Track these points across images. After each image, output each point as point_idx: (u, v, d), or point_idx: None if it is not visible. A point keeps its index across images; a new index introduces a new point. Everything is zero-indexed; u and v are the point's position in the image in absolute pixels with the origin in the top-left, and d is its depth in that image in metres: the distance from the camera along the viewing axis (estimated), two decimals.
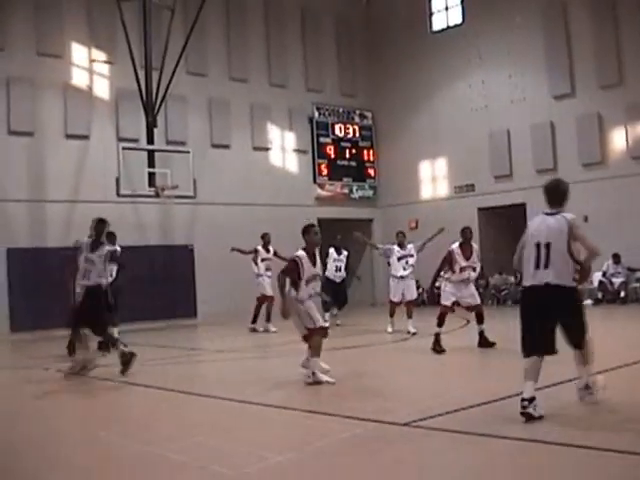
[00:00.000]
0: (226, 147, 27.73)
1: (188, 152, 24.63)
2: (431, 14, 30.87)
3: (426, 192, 30.85)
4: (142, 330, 21.56)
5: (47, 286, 20.80)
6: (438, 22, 30.70)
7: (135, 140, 24.77)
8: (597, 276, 24.63)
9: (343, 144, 31.22)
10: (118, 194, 23.46)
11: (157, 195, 23.78)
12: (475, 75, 28.67)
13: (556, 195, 8.52)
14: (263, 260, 20.85)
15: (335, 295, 21.07)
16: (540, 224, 8.30)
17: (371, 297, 31.51)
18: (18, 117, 23.51)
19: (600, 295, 24.59)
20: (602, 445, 6.46)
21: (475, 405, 8.52)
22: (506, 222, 27.64)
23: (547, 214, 8.37)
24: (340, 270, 21.60)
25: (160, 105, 24.29)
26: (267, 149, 29.08)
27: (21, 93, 23.50)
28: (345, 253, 21.89)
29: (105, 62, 25.39)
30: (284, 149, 29.60)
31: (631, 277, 24.57)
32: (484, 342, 14.26)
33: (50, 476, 6.68)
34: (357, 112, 31.77)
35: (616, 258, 24.41)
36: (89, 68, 25.12)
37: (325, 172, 30.50)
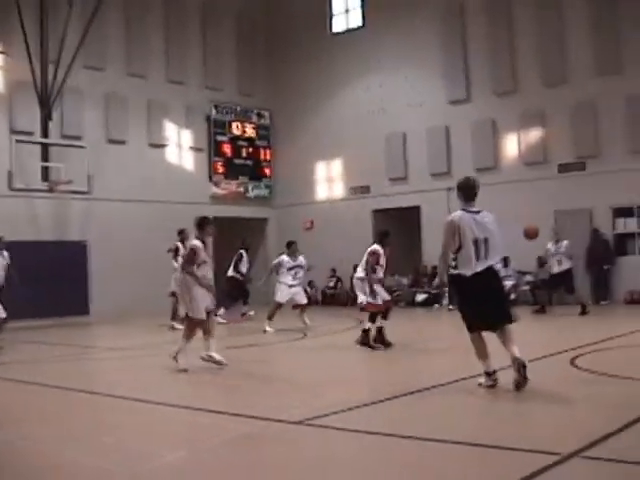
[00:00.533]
0: (122, 143, 27.41)
1: (83, 147, 24.38)
2: (332, 16, 31.05)
3: (322, 193, 31.02)
4: (33, 327, 21.19)
5: None
6: (338, 24, 30.89)
7: (29, 133, 24.35)
8: None
9: (240, 143, 31.17)
10: (10, 188, 23.07)
11: (51, 190, 23.47)
12: (373, 78, 28.96)
13: (474, 191, 9.61)
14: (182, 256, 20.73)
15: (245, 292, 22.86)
16: (472, 221, 9.33)
17: (265, 296, 31.54)
18: None
19: None
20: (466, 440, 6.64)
21: (371, 403, 8.65)
22: (400, 224, 28.01)
23: (472, 212, 9.44)
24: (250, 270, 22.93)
25: (56, 98, 23.98)
26: (163, 146, 28.85)
27: None
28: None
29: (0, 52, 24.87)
30: (180, 146, 29.41)
31: (521, 280, 25.13)
32: (381, 339, 14.33)
33: None
34: (255, 111, 31.75)
35: (505, 261, 24.90)
36: None
37: (221, 170, 30.41)
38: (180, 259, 20.35)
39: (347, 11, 30.76)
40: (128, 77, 27.79)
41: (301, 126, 31.35)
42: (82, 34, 24.35)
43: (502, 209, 25.08)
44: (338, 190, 30.52)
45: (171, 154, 29.15)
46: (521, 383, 8.89)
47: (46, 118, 23.85)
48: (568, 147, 24.64)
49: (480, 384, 9.31)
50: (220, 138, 30.48)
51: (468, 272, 9.22)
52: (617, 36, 23.81)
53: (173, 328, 19.41)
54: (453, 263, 9.66)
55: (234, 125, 31.00)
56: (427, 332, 19.09)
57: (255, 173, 31.61)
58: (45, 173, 23.65)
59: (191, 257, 12.22)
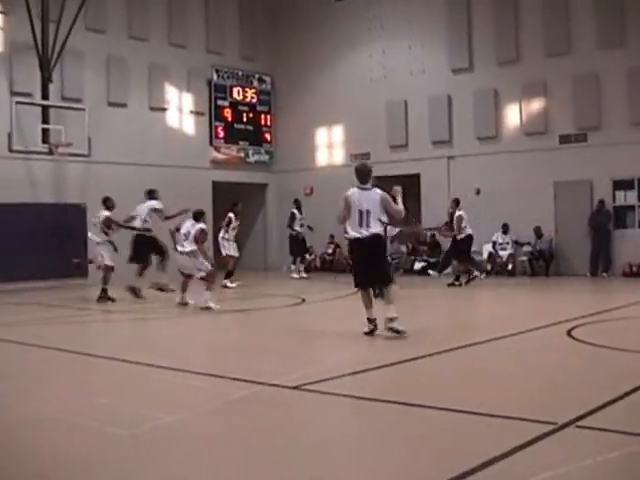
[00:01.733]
0: (123, 106, 27.28)
1: (84, 109, 24.32)
2: None
3: (322, 159, 30.95)
4: (30, 289, 21.23)
5: None
6: None
7: (29, 95, 24.22)
8: (487, 248, 25.20)
9: (241, 107, 31.05)
10: (10, 149, 23.03)
11: (50, 152, 23.42)
12: (376, 45, 28.79)
13: (367, 175, 11.52)
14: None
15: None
16: (360, 196, 11.24)
17: (263, 262, 31.68)
18: None
19: (489, 267, 25.18)
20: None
21: (364, 370, 8.70)
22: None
23: (362, 189, 11.37)
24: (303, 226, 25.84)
25: (56, 60, 23.86)
26: (164, 109, 28.72)
27: None
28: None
29: None
30: (181, 110, 29.29)
31: (519, 251, 25.19)
32: None
33: None
34: (256, 76, 31.61)
35: (504, 228, 25.02)
36: None
37: (222, 135, 30.32)
38: (231, 229, 21.87)
39: None
40: (129, 40, 27.61)
41: (302, 92, 31.23)
42: None
43: (502, 179, 25.35)
44: (338, 156, 30.44)
45: (172, 118, 29.03)
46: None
47: (46, 80, 23.74)
48: (569, 118, 24.58)
49: (365, 332, 11.33)
50: (221, 103, 30.37)
51: (354, 236, 11.24)
52: (621, 9, 23.68)
53: (226, 287, 20.92)
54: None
55: (235, 90, 30.87)
56: (426, 302, 19.08)
57: (256, 138, 31.51)
58: (45, 135, 23.57)
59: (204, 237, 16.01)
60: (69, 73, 25.50)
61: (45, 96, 23.75)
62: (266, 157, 31.78)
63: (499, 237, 25.13)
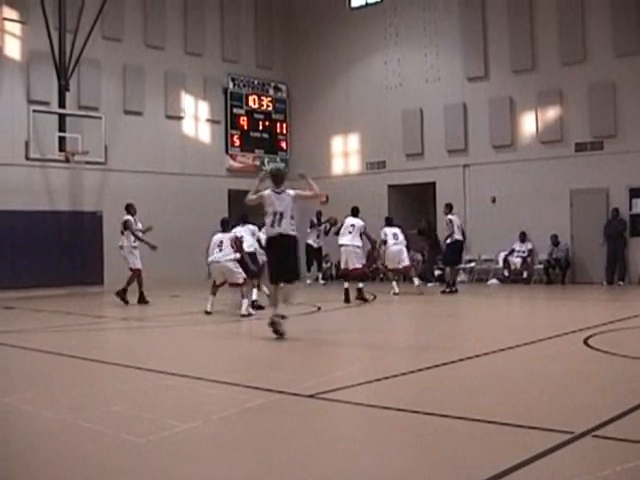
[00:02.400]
0: (139, 114, 27.43)
1: (100, 118, 24.42)
2: None
3: (337, 167, 30.97)
4: (47, 296, 21.30)
5: None
6: None
7: (46, 103, 24.41)
8: (502, 255, 25.18)
9: (256, 116, 31.15)
10: (27, 157, 23.14)
11: (67, 160, 23.53)
12: (391, 53, 28.83)
13: (281, 179, 12.55)
14: None
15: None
16: (275, 199, 12.18)
17: None
18: None
19: (506, 273, 25.14)
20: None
21: (380, 379, 8.67)
22: (415, 200, 28.11)
23: (277, 192, 12.32)
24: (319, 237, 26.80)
25: (73, 69, 23.99)
26: (180, 118, 28.85)
27: None
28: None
29: (17, 21, 24.83)
30: (197, 118, 29.41)
31: (535, 258, 25.11)
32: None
33: None
34: (272, 84, 31.70)
35: (522, 236, 24.98)
36: (0, 27, 24.53)
37: (237, 143, 30.42)
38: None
39: None
40: (146, 48, 27.76)
41: (318, 100, 31.28)
42: (100, 4, 24.35)
43: (518, 187, 25.31)
44: (354, 165, 30.46)
45: (187, 126, 29.14)
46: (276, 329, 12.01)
47: (63, 88, 23.86)
48: (585, 126, 24.53)
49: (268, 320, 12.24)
50: (237, 111, 30.46)
51: (269, 235, 12.33)
52: (637, 16, 23.64)
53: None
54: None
55: (251, 98, 30.97)
56: (441, 310, 19.05)
57: (271, 146, 31.59)
58: (61, 143, 23.67)
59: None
60: (86, 82, 25.64)
61: (62, 104, 23.87)
62: (282, 165, 31.80)
63: (517, 245, 25.07)
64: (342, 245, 19.48)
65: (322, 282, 26.04)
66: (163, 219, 24.64)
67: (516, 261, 25.03)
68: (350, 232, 19.30)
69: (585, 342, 10.99)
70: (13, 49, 24.79)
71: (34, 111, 23.25)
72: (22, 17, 24.75)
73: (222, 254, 16.11)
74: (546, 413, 6.95)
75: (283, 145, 31.98)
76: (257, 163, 30.97)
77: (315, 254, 26.90)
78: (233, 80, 30.39)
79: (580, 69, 24.62)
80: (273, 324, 11.98)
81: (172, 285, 20.37)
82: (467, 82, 27.10)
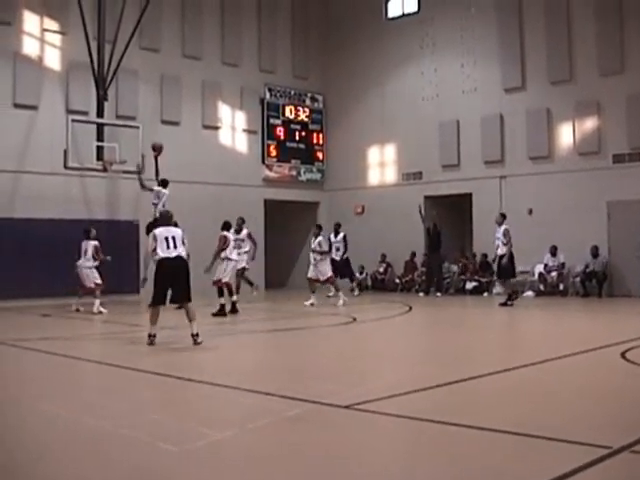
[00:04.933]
0: (176, 124, 27.59)
1: (137, 127, 24.55)
2: (387, 1, 30.86)
3: (373, 178, 30.95)
4: (84, 304, 21.38)
5: None
6: (394, 9, 30.69)
7: (85, 113, 24.61)
8: (539, 268, 25.04)
9: (293, 126, 31.23)
10: (65, 166, 23.32)
11: (105, 169, 23.67)
12: (428, 63, 28.79)
13: (169, 219, 13.76)
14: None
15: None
16: (166, 231, 13.27)
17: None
18: None
19: (542, 287, 24.99)
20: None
21: (416, 390, 8.65)
22: (451, 211, 28.03)
23: (166, 227, 13.44)
24: (339, 249, 25.45)
25: (112, 79, 24.15)
26: (217, 128, 28.98)
27: None
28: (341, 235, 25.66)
29: (57, 32, 25.10)
30: (234, 128, 29.53)
31: (570, 271, 24.92)
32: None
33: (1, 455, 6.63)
34: (308, 95, 31.78)
35: (553, 250, 24.78)
36: (40, 37, 24.81)
37: (274, 153, 30.50)
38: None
39: None
40: (183, 58, 27.94)
41: (354, 110, 31.30)
42: (139, 15, 24.52)
43: (555, 199, 25.15)
44: (390, 175, 30.43)
45: (224, 136, 29.26)
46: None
47: (101, 98, 24.03)
48: (623, 137, 24.34)
49: (148, 344, 13.03)
50: (273, 121, 30.56)
51: (160, 257, 13.08)
52: None
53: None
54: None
55: (288, 108, 31.06)
56: (475, 321, 18.97)
57: (307, 157, 31.65)
58: (99, 152, 23.84)
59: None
60: (124, 91, 25.85)
61: (100, 114, 24.04)
62: (318, 175, 31.87)
63: (549, 260, 24.87)
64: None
65: (356, 293, 25.84)
66: (200, 228, 24.67)
67: (553, 275, 24.84)
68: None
69: (623, 355, 10.91)
70: (53, 60, 25.03)
71: (73, 121, 23.42)
72: (62, 28, 25.00)
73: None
74: (583, 427, 6.91)
75: (319, 155, 32.03)
76: (293, 173, 31.05)
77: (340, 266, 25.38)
78: (270, 90, 30.49)
79: (618, 80, 24.45)
80: (195, 343, 12.89)
81: (208, 295, 20.38)
82: (504, 93, 26.99)
